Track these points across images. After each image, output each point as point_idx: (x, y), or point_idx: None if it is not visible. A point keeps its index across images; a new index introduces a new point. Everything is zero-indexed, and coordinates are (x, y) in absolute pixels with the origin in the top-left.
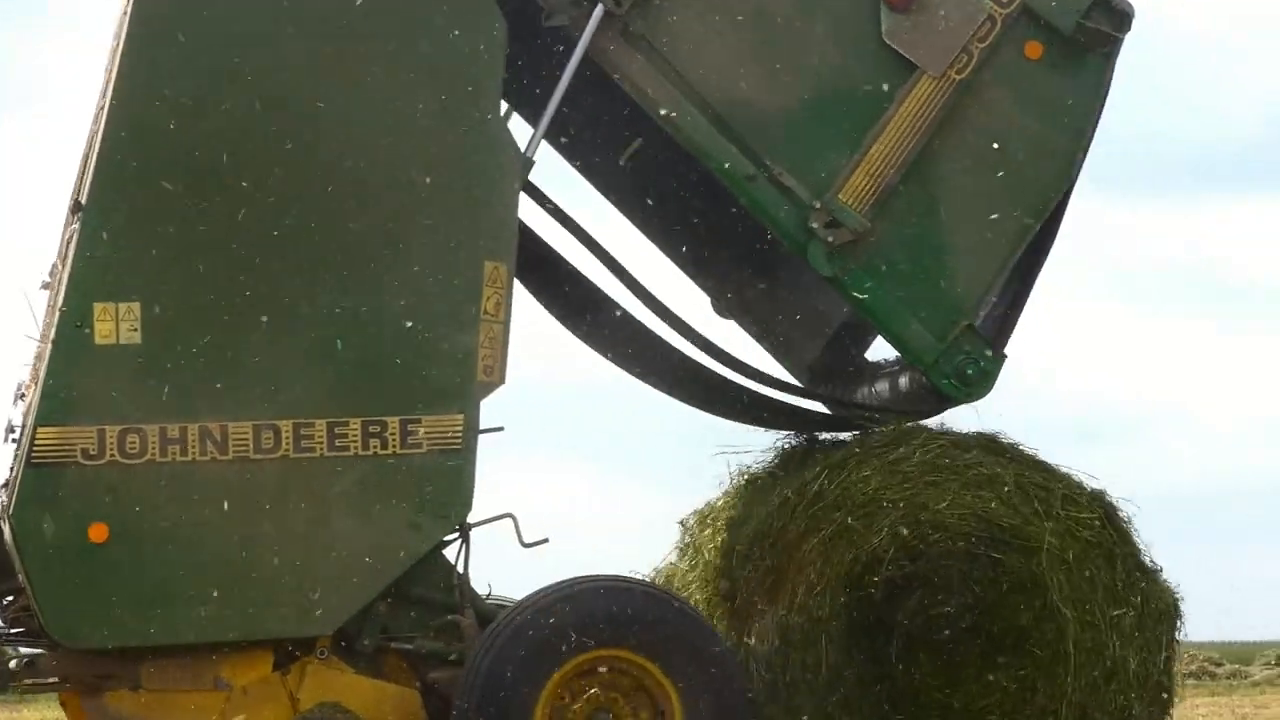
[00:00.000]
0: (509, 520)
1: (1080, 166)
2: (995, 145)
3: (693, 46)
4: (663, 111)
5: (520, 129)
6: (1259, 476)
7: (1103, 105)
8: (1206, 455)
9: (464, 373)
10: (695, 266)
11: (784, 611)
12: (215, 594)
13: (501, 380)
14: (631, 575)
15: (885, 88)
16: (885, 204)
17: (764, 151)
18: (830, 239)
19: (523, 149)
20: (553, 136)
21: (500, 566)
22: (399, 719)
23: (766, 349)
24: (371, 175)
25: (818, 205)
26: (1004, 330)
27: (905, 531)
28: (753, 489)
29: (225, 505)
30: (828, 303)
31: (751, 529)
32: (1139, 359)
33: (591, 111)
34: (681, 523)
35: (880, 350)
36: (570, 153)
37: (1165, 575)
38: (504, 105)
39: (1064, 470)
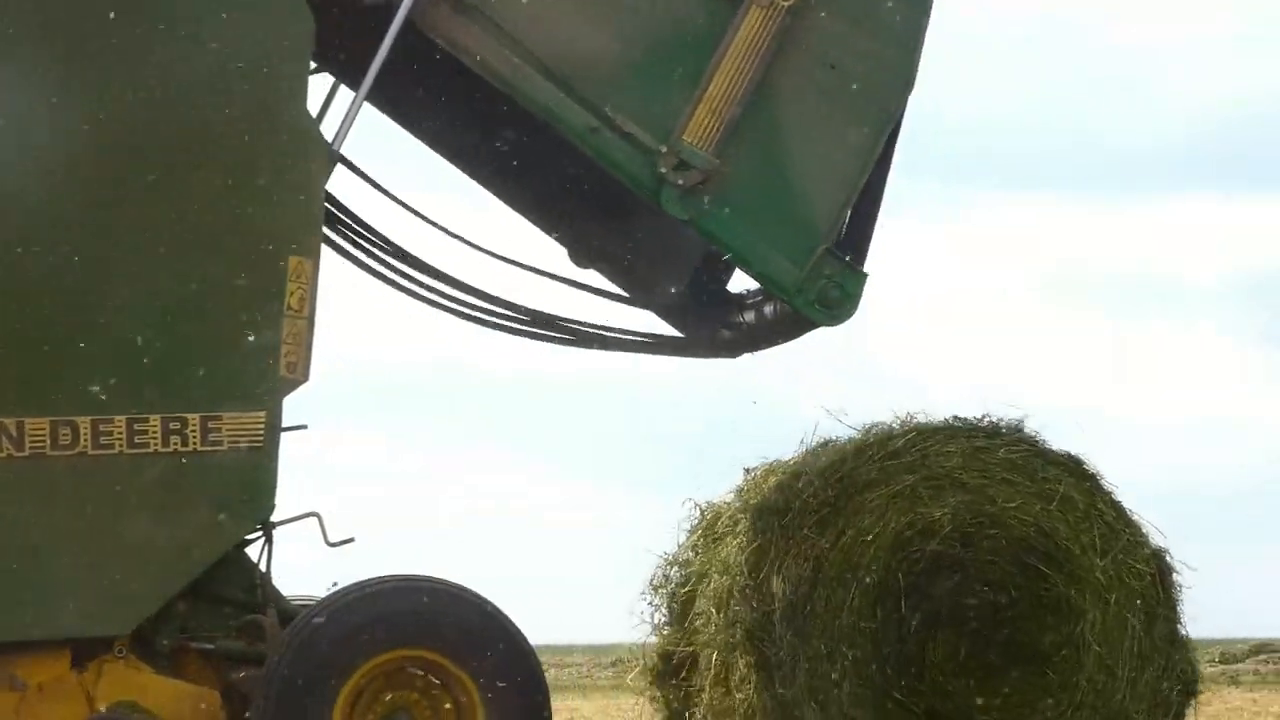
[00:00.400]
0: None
1: (914, 78)
2: (832, 67)
3: (522, 7)
4: (501, 78)
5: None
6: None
7: (929, 14)
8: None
9: (266, 369)
10: (547, 219)
11: (827, 545)
12: (11, 592)
13: (305, 377)
14: (434, 575)
15: (715, 23)
16: (731, 139)
17: (604, 102)
18: (680, 181)
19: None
20: (389, 106)
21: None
22: (197, 719)
23: (629, 292)
24: (174, 169)
25: (664, 149)
26: (861, 248)
27: (968, 515)
28: (831, 448)
29: (21, 502)
30: (685, 240)
31: (823, 464)
32: (1133, 359)
33: (420, 74)
34: (747, 469)
35: (742, 281)
36: (401, 116)
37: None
38: (330, 80)
39: (1134, 516)
